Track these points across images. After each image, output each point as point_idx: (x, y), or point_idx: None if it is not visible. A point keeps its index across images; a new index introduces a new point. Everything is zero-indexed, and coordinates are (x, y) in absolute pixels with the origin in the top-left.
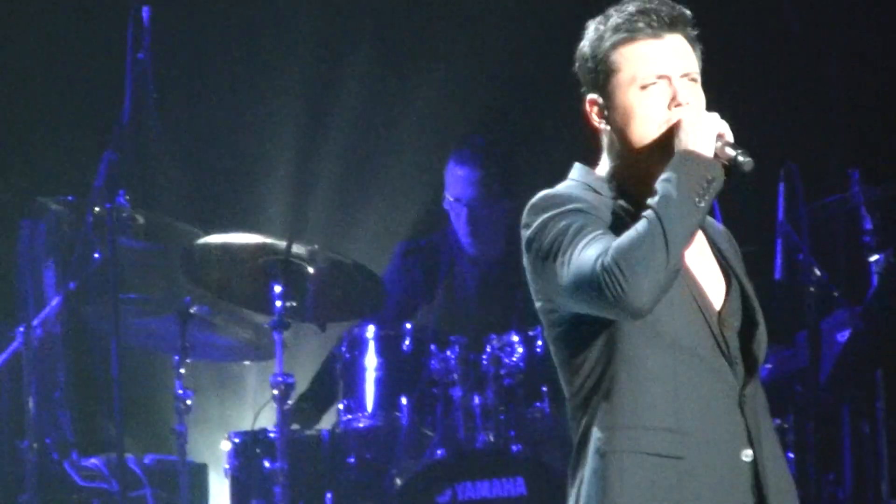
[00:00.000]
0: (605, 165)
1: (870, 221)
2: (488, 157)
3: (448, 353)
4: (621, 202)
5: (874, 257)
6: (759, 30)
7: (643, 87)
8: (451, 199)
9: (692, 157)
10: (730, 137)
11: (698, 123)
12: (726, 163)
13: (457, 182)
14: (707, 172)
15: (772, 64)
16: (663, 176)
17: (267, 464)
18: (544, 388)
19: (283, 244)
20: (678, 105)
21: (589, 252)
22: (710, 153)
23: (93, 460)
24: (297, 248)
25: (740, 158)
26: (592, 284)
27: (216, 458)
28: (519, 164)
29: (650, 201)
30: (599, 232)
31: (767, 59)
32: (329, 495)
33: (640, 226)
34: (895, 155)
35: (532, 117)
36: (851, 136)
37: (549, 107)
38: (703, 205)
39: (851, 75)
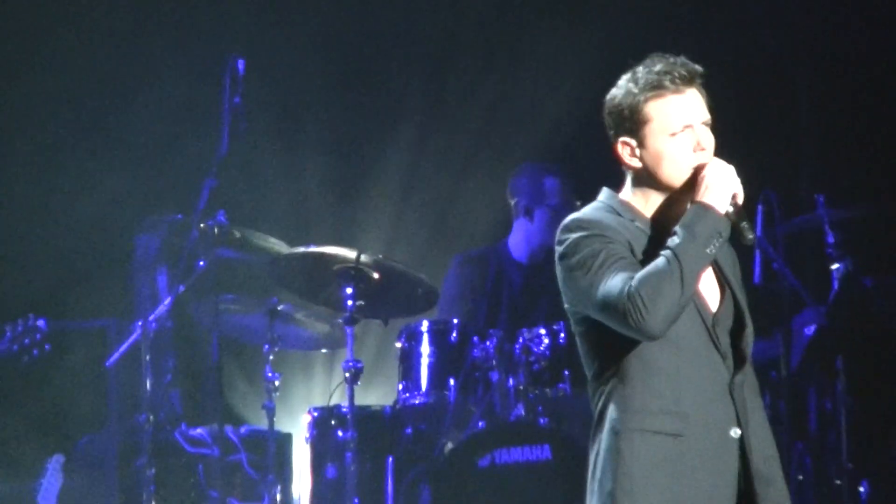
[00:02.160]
0: (627, 191)
1: (832, 237)
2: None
3: (487, 343)
4: (637, 224)
5: (835, 266)
6: (745, 78)
7: (672, 135)
8: (539, 206)
9: (710, 212)
10: (741, 198)
11: (719, 182)
12: (733, 221)
13: (549, 191)
14: (719, 227)
15: (754, 109)
16: (684, 221)
17: (339, 434)
18: (566, 373)
19: (353, 254)
20: (701, 150)
21: (615, 281)
22: (723, 210)
23: (198, 430)
24: (365, 258)
25: (745, 231)
26: (618, 309)
27: (299, 428)
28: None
29: (670, 243)
30: (623, 262)
31: (751, 106)
32: (390, 459)
33: (662, 264)
34: (853, 183)
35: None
36: (818, 167)
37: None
38: (712, 252)
39: (820, 116)
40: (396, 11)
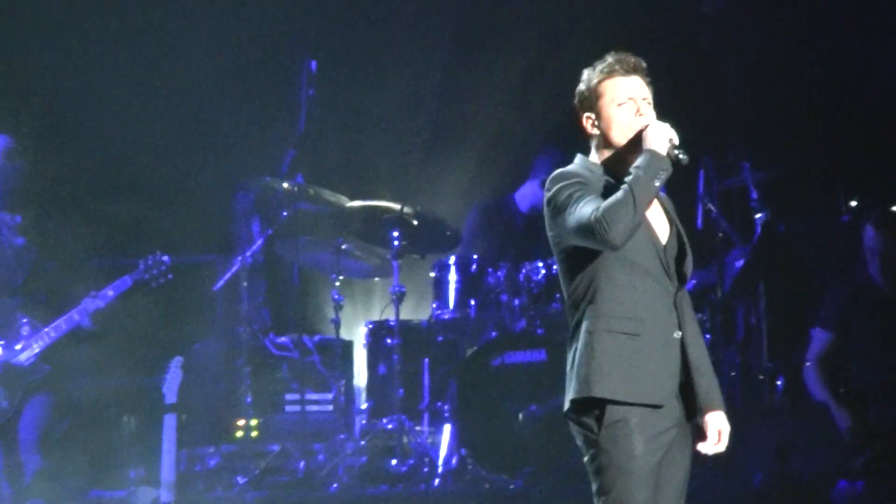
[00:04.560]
0: (594, 155)
1: (755, 193)
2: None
3: (499, 273)
4: (606, 177)
5: (758, 216)
6: (687, 74)
7: (619, 105)
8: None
9: (654, 155)
10: (676, 141)
11: (658, 132)
12: (673, 158)
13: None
14: (662, 165)
15: (693, 96)
16: (636, 164)
17: (388, 341)
18: (557, 295)
19: (398, 206)
20: (640, 115)
21: (586, 209)
22: (664, 152)
23: (282, 338)
24: (407, 209)
25: (681, 157)
26: (588, 228)
27: (358, 337)
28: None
29: (627, 179)
30: (592, 197)
31: (691, 94)
32: (426, 360)
33: (620, 194)
34: (771, 151)
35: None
36: (744, 139)
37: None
38: (658, 184)
39: (744, 102)
40: None
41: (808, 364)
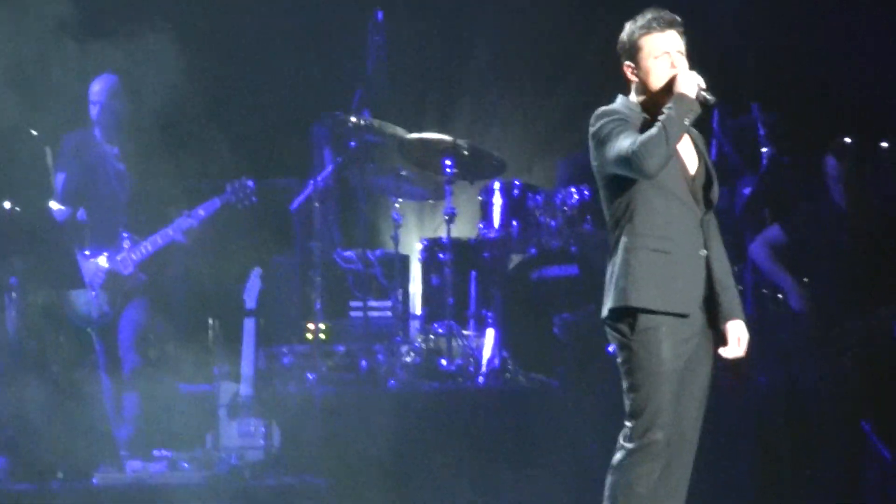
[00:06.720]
0: (633, 96)
1: (762, 130)
2: None
3: (538, 197)
4: (643, 115)
5: (764, 150)
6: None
7: (655, 58)
8: None
9: (684, 97)
10: (703, 85)
11: (688, 78)
12: (701, 100)
13: None
14: (691, 106)
15: (716, 50)
16: (668, 105)
17: (441, 255)
18: (588, 217)
19: (450, 139)
20: (674, 67)
21: (625, 142)
22: (693, 95)
23: (348, 252)
24: (460, 141)
25: (708, 98)
26: (626, 159)
27: (414, 252)
28: None
29: (660, 118)
30: (631, 131)
31: (715, 48)
32: (473, 273)
33: (654, 130)
34: (777, 95)
35: None
36: (755, 85)
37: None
38: (687, 122)
39: (756, 48)
40: None
41: (754, 243)
